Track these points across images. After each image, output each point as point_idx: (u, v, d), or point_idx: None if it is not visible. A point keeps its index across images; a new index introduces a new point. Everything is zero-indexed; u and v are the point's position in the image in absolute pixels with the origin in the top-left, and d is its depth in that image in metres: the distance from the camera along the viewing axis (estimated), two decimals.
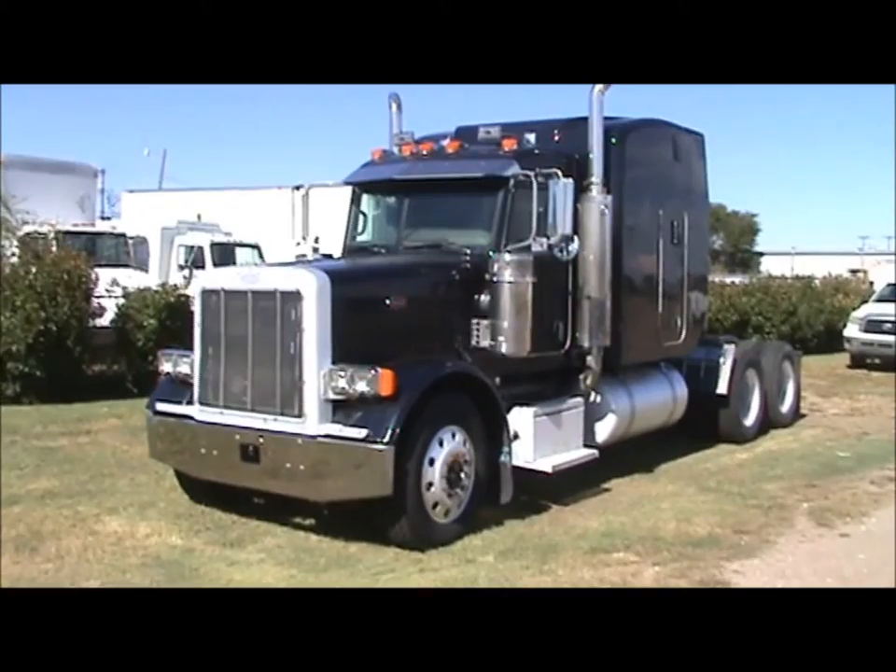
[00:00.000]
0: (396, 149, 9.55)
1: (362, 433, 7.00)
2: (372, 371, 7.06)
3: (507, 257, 8.22)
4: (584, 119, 9.12)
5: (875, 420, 14.32)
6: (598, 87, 8.86)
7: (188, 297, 15.04)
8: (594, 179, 8.90)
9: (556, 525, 8.18)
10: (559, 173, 8.36)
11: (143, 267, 20.82)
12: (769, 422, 12.68)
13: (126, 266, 18.50)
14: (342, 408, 7.23)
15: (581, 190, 8.86)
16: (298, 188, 9.61)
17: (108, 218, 26.48)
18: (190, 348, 8.26)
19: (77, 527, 7.82)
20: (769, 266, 51.86)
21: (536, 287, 8.27)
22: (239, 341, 7.60)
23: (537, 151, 8.94)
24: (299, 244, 9.62)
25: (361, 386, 7.09)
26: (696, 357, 11.32)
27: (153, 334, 14.59)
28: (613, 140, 9.26)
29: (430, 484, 7.35)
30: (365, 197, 9.71)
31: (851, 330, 22.24)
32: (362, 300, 7.71)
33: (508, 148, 8.71)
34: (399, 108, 10.33)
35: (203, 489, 8.35)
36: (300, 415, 7.26)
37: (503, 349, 8.23)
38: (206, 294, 7.89)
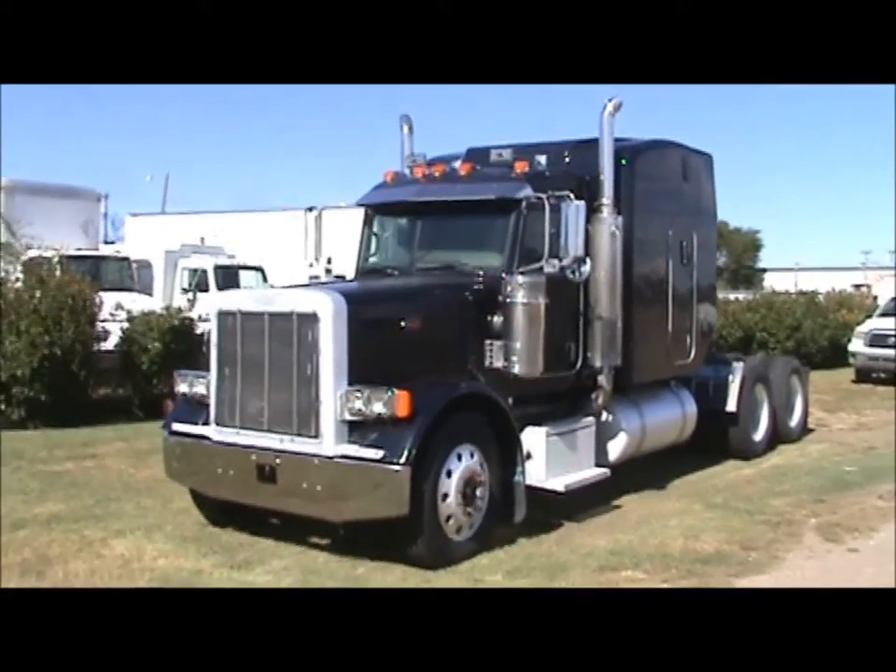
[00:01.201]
0: (408, 171, 9.77)
1: (379, 454, 7.17)
2: (389, 393, 7.23)
3: (520, 278, 8.40)
4: (594, 141, 9.35)
5: (881, 434, 14.41)
6: (608, 109, 9.10)
7: (192, 320, 15.50)
8: (604, 201, 9.12)
9: (564, 544, 8.26)
10: (571, 195, 8.57)
11: (147, 291, 21.03)
12: (778, 436, 12.89)
13: (130, 290, 18.70)
14: (357, 428, 7.41)
15: (591, 211, 9.07)
16: (311, 209, 9.80)
17: (112, 242, 26.90)
18: (196, 370, 8.49)
19: (83, 551, 7.87)
20: (772, 282, 52.22)
21: (548, 307, 8.46)
22: (255, 362, 7.79)
23: (547, 174, 9.15)
24: (311, 265, 9.83)
25: (378, 407, 7.27)
26: (705, 375, 11.54)
27: (158, 357, 14.73)
28: (623, 161, 9.47)
29: (446, 504, 7.50)
30: (377, 219, 9.93)
31: (856, 345, 22.54)
32: (377, 321, 7.87)
33: (520, 171, 8.92)
34: (411, 130, 10.57)
35: (218, 509, 8.50)
36: (316, 436, 7.44)
37: (516, 370, 8.41)
38: (223, 315, 8.08)
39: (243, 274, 23.88)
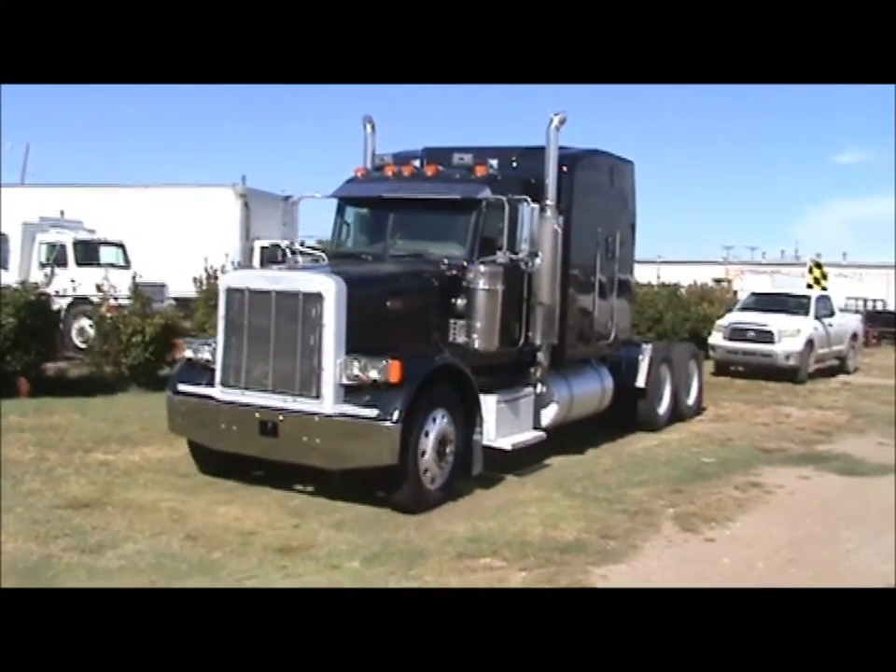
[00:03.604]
0: (376, 169, 11.45)
1: (374, 412, 8.74)
2: (384, 361, 8.82)
3: (481, 268, 10.10)
4: (538, 149, 11.07)
5: (738, 426, 15.16)
6: (555, 122, 10.82)
7: (48, 296, 15.73)
8: (548, 202, 10.83)
9: (422, 530, 8.50)
10: (528, 199, 10.36)
11: (2, 264, 21.46)
12: (678, 412, 14.88)
13: None
14: (352, 391, 8.95)
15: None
16: (287, 198, 11.38)
17: None
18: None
19: None
20: (635, 274, 54.41)
21: (504, 293, 10.21)
22: (261, 333, 9.24)
23: (499, 177, 10.85)
24: (289, 247, 11.41)
25: (373, 374, 8.84)
26: (618, 355, 13.48)
27: (12, 333, 14.55)
28: (565, 168, 11.22)
29: (424, 458, 9.10)
30: (349, 209, 11.54)
31: (716, 338, 23.43)
32: (369, 300, 9.41)
33: (480, 174, 10.66)
34: (373, 129, 12.19)
35: (212, 460, 9.93)
36: (317, 397, 8.95)
37: (476, 345, 10.12)
38: (231, 292, 9.54)
39: (103, 250, 24.17)
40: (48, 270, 17.87)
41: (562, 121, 10.91)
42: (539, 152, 11.09)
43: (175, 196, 28.73)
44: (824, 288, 29.67)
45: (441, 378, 9.48)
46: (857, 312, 34.83)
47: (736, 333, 23.08)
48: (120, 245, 24.54)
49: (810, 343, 23.01)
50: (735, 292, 37.27)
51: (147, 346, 16.15)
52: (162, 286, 22.24)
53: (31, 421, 12.70)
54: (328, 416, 8.93)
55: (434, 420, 9.27)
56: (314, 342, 9.01)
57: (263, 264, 25.68)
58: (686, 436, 13.99)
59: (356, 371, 8.93)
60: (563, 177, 11.19)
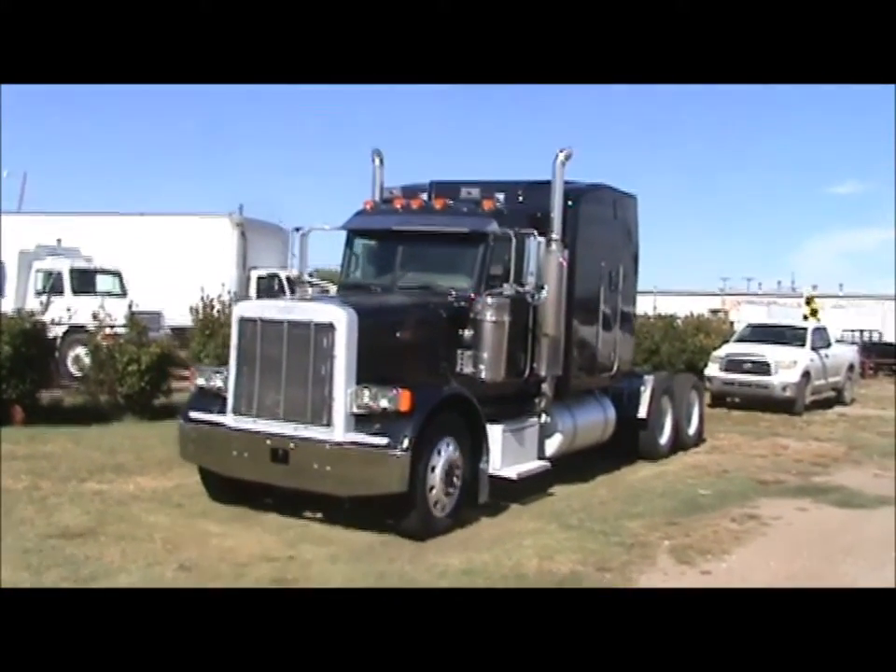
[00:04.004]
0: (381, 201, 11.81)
1: (384, 441, 8.99)
2: (394, 391, 9.08)
3: (489, 300, 10.39)
4: (542, 183, 11.44)
5: (734, 458, 15.21)
6: (560, 158, 11.17)
7: (44, 324, 15.77)
8: (554, 236, 11.15)
9: (416, 562, 8.49)
10: (535, 232, 10.70)
11: None
12: (679, 442, 15.13)
13: None
14: (362, 420, 9.21)
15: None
16: (298, 229, 11.73)
17: None
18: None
19: None
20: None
21: (510, 324, 10.48)
22: (273, 361, 9.50)
23: (505, 211, 11.17)
24: (297, 278, 11.70)
25: (384, 403, 9.10)
26: (620, 386, 13.76)
27: (7, 361, 14.59)
28: (570, 203, 11.55)
29: (433, 485, 9.35)
30: (357, 241, 11.85)
31: (712, 370, 23.42)
32: (379, 331, 9.68)
33: (487, 208, 10.97)
34: (382, 162, 12.53)
35: (222, 487, 10.16)
36: (328, 425, 9.20)
37: (483, 375, 10.39)
38: (244, 321, 9.81)
39: (100, 278, 24.39)
40: (44, 298, 17.42)
41: (567, 157, 11.26)
42: (544, 186, 11.42)
43: (171, 225, 28.90)
44: (820, 320, 29.97)
45: (449, 407, 9.74)
46: (853, 343, 35.09)
47: (733, 364, 23.16)
48: (117, 274, 24.73)
49: (807, 375, 23.11)
50: (732, 323, 37.09)
51: (142, 375, 16.16)
52: (159, 314, 22.37)
53: (25, 449, 12.72)
54: (338, 444, 9.18)
55: (442, 448, 9.51)
56: (325, 371, 9.27)
57: (260, 294, 26.12)
58: (682, 468, 14.06)
59: (366, 400, 9.19)
60: (568, 211, 11.52)
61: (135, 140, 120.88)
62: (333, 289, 11.91)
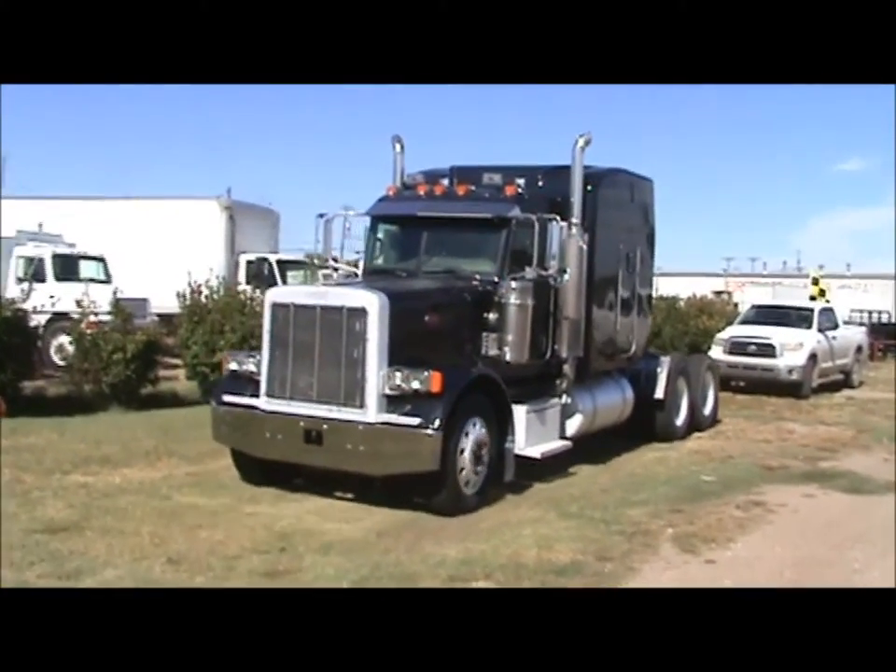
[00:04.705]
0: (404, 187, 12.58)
1: (416, 421, 9.73)
2: (426, 373, 9.82)
3: (513, 283, 11.14)
4: (561, 168, 12.19)
5: (739, 443, 15.30)
6: (580, 143, 11.89)
7: (26, 312, 16.06)
8: (574, 220, 11.88)
9: (413, 552, 8.60)
10: (558, 217, 11.46)
11: None
12: (695, 423, 15.90)
13: None
14: (393, 401, 9.95)
15: None
16: (321, 215, 12.55)
17: None
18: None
19: None
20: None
21: (533, 307, 11.27)
22: (306, 345, 10.22)
23: (526, 196, 11.94)
24: (325, 266, 12.60)
25: (415, 384, 9.83)
26: (637, 367, 14.54)
27: None
28: (589, 187, 12.29)
29: (462, 463, 10.08)
30: (381, 227, 12.60)
31: (716, 353, 23.05)
32: (408, 315, 10.43)
33: (510, 194, 11.75)
34: (402, 148, 13.24)
35: (254, 468, 10.92)
36: (361, 406, 9.93)
37: (507, 357, 11.15)
38: (276, 307, 10.54)
39: (83, 264, 24.60)
40: (25, 285, 17.51)
41: (587, 142, 11.98)
42: (563, 171, 12.16)
43: (157, 209, 28.94)
44: (827, 301, 30.27)
45: (477, 388, 10.47)
46: (861, 324, 35.54)
47: (737, 347, 23.36)
48: (101, 260, 24.87)
49: (813, 357, 23.42)
50: (736, 304, 38.06)
51: (128, 364, 16.34)
52: (144, 301, 22.46)
53: (7, 442, 12.69)
54: (371, 424, 9.92)
55: (471, 428, 10.25)
56: (357, 354, 10.02)
57: (249, 279, 26.36)
58: (686, 453, 14.19)
59: (398, 382, 9.93)
60: (587, 196, 12.26)
61: (121, 123, 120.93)
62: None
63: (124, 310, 17.29)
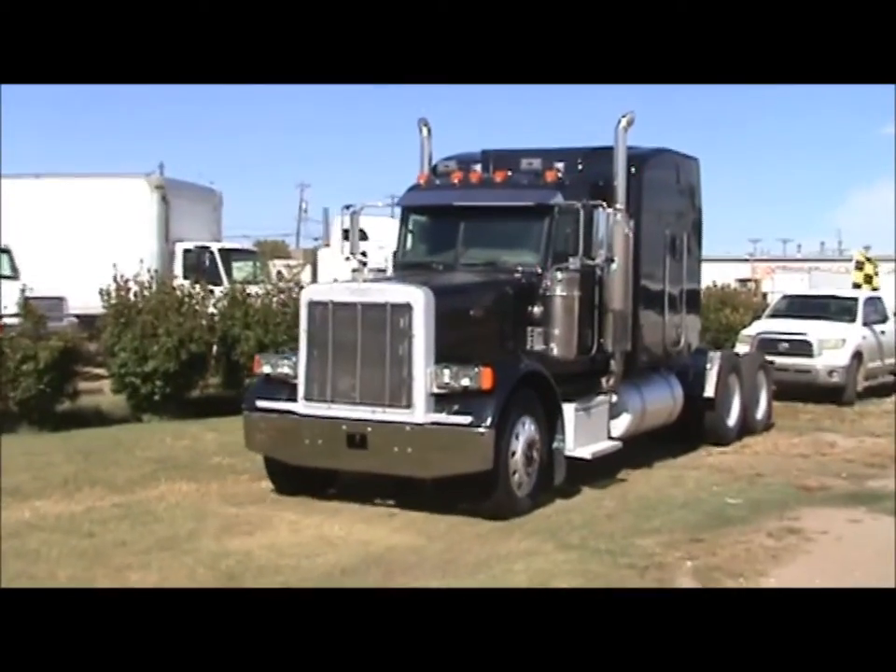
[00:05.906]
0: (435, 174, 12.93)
1: (467, 419, 10.02)
2: (475, 369, 10.10)
3: (558, 274, 11.44)
4: (602, 149, 12.49)
5: (770, 459, 14.41)
6: (623, 123, 12.15)
7: None
8: (619, 206, 12.14)
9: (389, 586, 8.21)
10: (604, 204, 11.79)
11: None
12: (747, 426, 15.92)
13: None
14: (441, 400, 10.25)
15: None
16: (348, 207, 13.01)
17: None
18: None
19: None
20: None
21: (580, 300, 11.66)
22: (347, 345, 10.52)
23: (567, 182, 12.22)
24: (348, 258, 13.17)
25: (465, 381, 10.12)
26: (685, 363, 14.76)
27: None
28: (633, 170, 12.56)
29: (514, 464, 10.37)
30: (413, 218, 12.96)
31: (741, 351, 20.16)
32: (454, 310, 10.74)
33: (550, 179, 12.05)
34: (430, 132, 13.59)
35: (289, 477, 11.22)
36: (408, 406, 10.22)
37: (554, 352, 11.48)
38: (313, 305, 10.87)
39: None
40: None
41: (630, 122, 12.27)
42: (603, 153, 12.48)
43: (75, 189, 26.52)
44: (875, 288, 28.05)
45: (527, 385, 10.79)
46: None
47: (766, 345, 21.24)
48: (6, 251, 22.75)
49: (858, 356, 21.98)
50: (765, 295, 37.19)
51: (40, 375, 15.30)
52: (60, 300, 21.27)
53: None
54: (419, 425, 10.23)
55: (522, 427, 10.55)
56: (403, 352, 10.34)
57: (187, 272, 24.96)
58: (706, 472, 13.37)
59: (447, 380, 10.25)
60: (631, 179, 12.57)
61: (36, 90, 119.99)
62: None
63: (35, 311, 16.31)
